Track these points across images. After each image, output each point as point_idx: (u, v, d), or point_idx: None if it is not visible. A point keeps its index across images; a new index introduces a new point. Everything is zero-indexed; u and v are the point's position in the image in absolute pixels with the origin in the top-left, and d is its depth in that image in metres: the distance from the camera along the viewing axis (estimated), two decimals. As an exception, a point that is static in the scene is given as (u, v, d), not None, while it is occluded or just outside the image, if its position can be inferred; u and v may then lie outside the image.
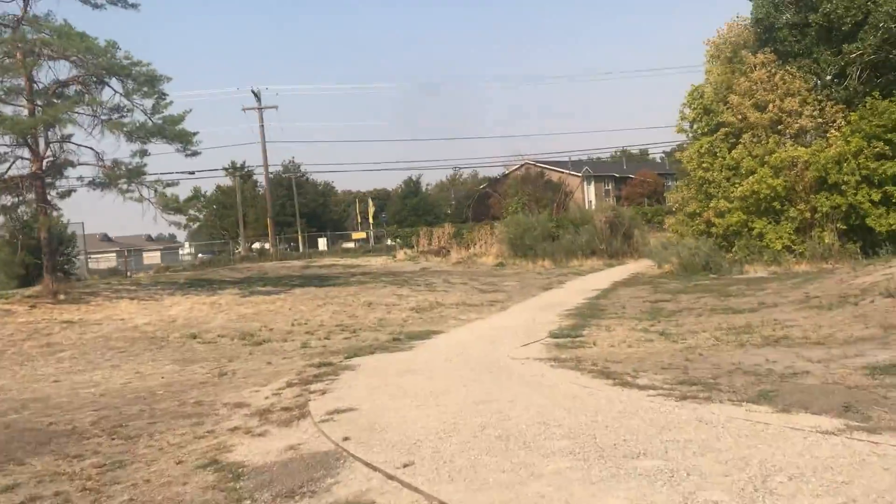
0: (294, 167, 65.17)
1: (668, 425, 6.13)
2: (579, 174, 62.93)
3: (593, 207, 53.73)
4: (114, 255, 75.98)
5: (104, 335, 15.72)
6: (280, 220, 64.65)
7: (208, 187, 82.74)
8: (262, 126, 46.94)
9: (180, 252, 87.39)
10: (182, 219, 22.62)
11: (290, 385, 9.30)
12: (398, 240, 47.12)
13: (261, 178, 68.89)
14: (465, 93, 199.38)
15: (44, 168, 21.72)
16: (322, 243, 55.91)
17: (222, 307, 21.15)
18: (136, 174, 21.63)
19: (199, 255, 63.83)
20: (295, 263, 41.20)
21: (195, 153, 23.00)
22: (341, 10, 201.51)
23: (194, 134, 22.54)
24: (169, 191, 21.91)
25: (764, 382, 7.82)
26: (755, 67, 32.36)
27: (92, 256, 66.75)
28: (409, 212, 65.68)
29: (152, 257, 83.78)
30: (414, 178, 70.11)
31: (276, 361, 11.81)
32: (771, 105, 31.01)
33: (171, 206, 21.74)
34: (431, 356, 11.44)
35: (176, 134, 21.79)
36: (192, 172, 44.89)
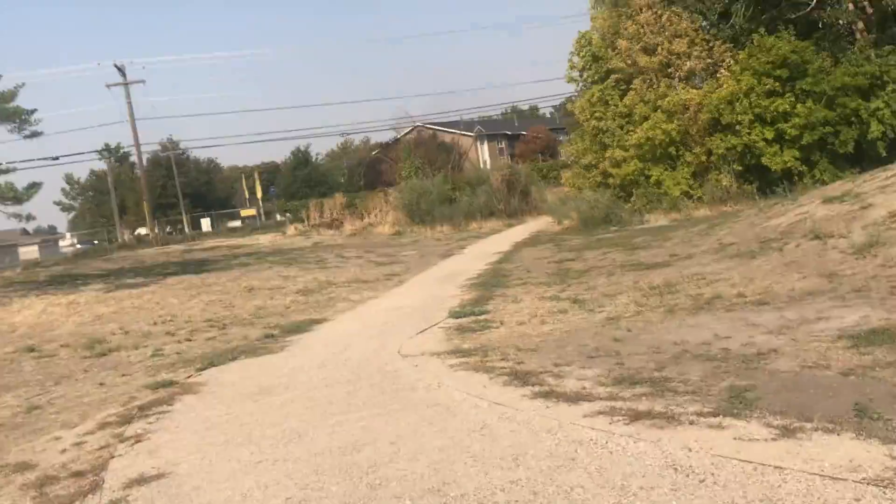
0: (172, 145, 60.87)
1: (629, 487, 4.05)
2: (472, 134, 61.01)
3: (489, 167, 51.95)
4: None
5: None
6: (162, 203, 60.58)
7: (81, 173, 77.15)
8: (130, 102, 42.95)
9: (60, 244, 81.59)
10: (22, 209, 19.29)
11: (104, 425, 6.84)
12: (288, 214, 44.22)
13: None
14: (347, 54, 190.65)
15: None
16: (206, 224, 52.34)
17: (79, 307, 18.20)
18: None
19: (78, 245, 59.24)
20: (176, 248, 37.87)
21: (35, 134, 19.78)
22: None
23: (31, 112, 19.32)
24: (2, 179, 18.63)
25: (727, 372, 5.89)
26: (641, 10, 30.79)
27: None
28: (300, 184, 62.48)
29: (29, 252, 77.77)
30: (302, 149, 66.83)
31: (112, 381, 9.29)
32: (659, 48, 29.56)
33: (6, 196, 18.52)
34: (304, 360, 9.12)
35: (7, 112, 18.53)
36: (56, 158, 40.77)
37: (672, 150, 28.24)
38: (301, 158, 66.99)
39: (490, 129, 65.08)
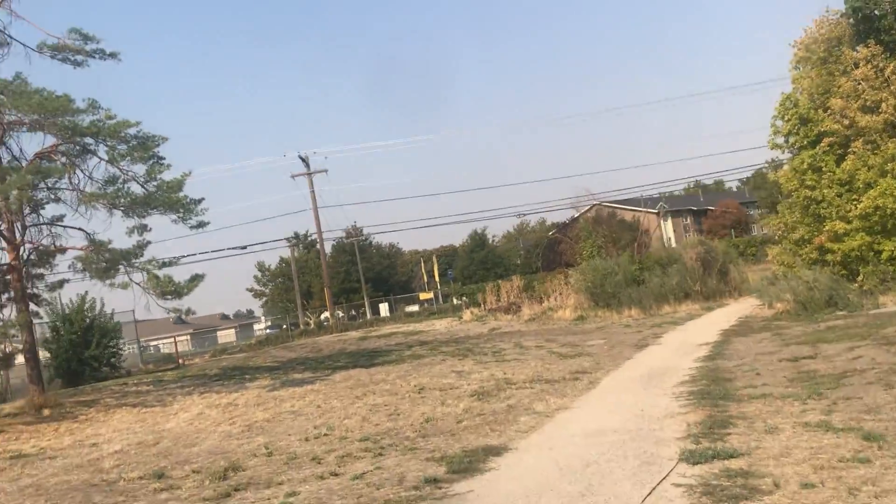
0: (356, 231, 60.85)
1: None
2: (654, 211, 56.86)
3: (673, 245, 47.54)
4: (187, 338, 72.70)
5: (36, 483, 10.79)
6: (346, 287, 60.36)
7: (272, 260, 79.26)
8: (313, 191, 42.71)
9: (255, 328, 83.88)
10: (183, 304, 17.70)
11: None
12: (464, 298, 41.85)
13: (326, 247, 65.07)
14: (525, 132, 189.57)
15: (23, 257, 17.37)
16: (384, 309, 50.98)
17: (236, 410, 16.15)
18: (128, 255, 17.06)
19: (267, 330, 59.85)
20: (352, 335, 36.28)
21: (201, 224, 18.37)
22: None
23: (198, 201, 17.95)
24: (163, 272, 17.16)
25: None
26: (857, 64, 26.43)
27: (163, 342, 63.43)
28: (476, 266, 60.50)
29: (226, 335, 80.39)
30: (479, 231, 65.13)
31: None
32: (884, 105, 24.96)
33: (167, 290, 16.98)
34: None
35: (171, 202, 17.18)
36: (245, 247, 40.72)
37: (907, 220, 23.29)
38: (478, 241, 65.23)
39: (673, 206, 60.63)
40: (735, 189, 75.01)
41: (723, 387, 12.54)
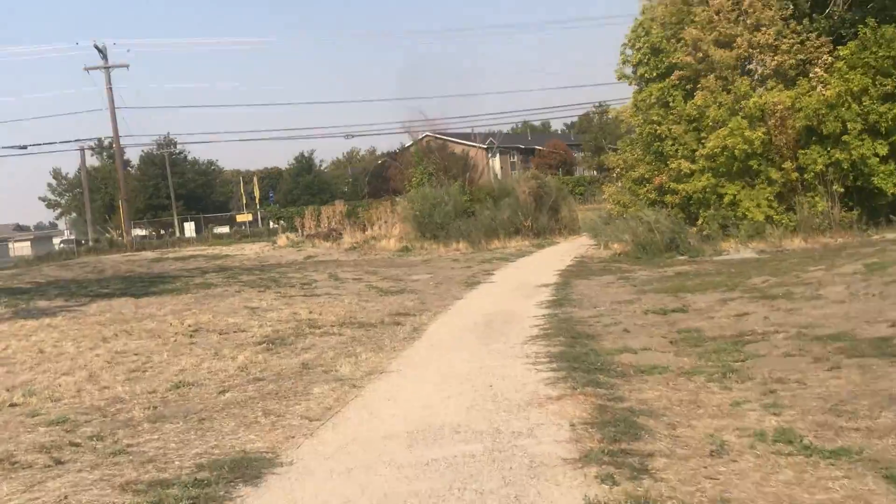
0: (168, 142, 53.59)
1: None
2: (484, 146, 53.91)
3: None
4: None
5: None
6: (154, 204, 53.45)
7: (66, 166, 69.55)
8: (110, 88, 35.77)
9: (55, 241, 74.27)
10: None
11: None
12: (282, 222, 36.97)
13: (134, 156, 57.40)
14: (358, 49, 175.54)
15: None
16: (189, 228, 44.83)
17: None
18: None
19: (61, 244, 52.01)
20: (147, 255, 30.67)
21: None
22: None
23: None
24: None
25: None
26: (715, -6, 23.72)
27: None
28: (301, 190, 55.22)
29: (22, 248, 70.51)
30: (306, 154, 59.55)
31: None
32: (739, 39, 22.44)
33: None
34: None
35: None
36: (24, 147, 33.46)
37: (754, 163, 21.09)
38: (304, 164, 59.72)
39: (502, 143, 57.99)
40: (560, 132, 73.95)
41: (589, 348, 9.03)
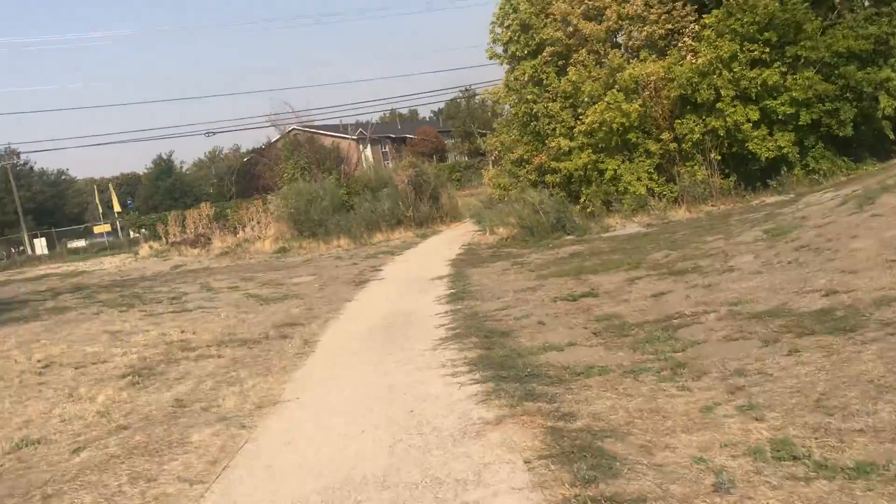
0: (11, 153, 48.79)
1: None
2: (353, 137, 52.27)
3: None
4: None
5: None
6: (0, 221, 48.52)
7: None
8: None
9: None
10: None
11: None
12: (143, 231, 34.09)
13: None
14: (216, 41, 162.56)
15: None
16: (40, 245, 40.85)
17: None
18: None
19: None
20: (-10, 279, 27.38)
21: None
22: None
23: None
24: None
25: None
26: (579, -32, 23.25)
27: None
28: (162, 195, 51.69)
29: None
30: (165, 156, 55.86)
31: None
32: (608, 11, 22.09)
33: None
34: None
35: None
36: None
37: (632, 136, 20.78)
38: (163, 167, 56.00)
39: (372, 133, 56.54)
40: (429, 119, 73.17)
41: (509, 348, 7.97)
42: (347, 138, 51.03)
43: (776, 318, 7.30)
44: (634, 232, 18.45)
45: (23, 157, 51.85)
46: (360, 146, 53.08)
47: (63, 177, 59.13)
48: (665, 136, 20.68)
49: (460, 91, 52.17)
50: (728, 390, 5.45)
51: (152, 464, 5.72)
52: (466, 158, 53.13)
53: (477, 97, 50.32)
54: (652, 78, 20.64)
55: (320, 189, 26.72)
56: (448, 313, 10.97)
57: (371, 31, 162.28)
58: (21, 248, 45.57)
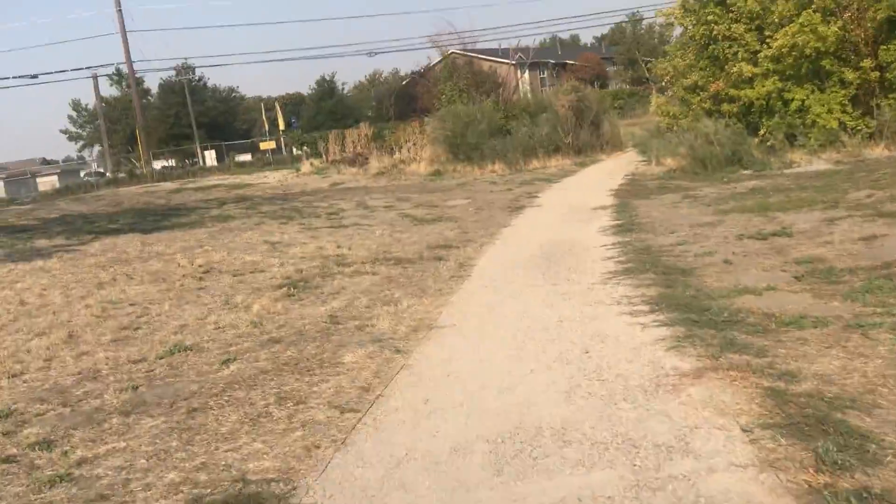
0: (186, 69, 51.00)
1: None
2: (513, 62, 50.70)
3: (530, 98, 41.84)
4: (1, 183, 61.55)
5: None
6: (176, 133, 51.24)
7: (86, 96, 67.31)
8: (120, 10, 33.22)
9: (82, 174, 72.83)
10: None
11: None
12: (305, 148, 34.78)
13: (153, 84, 55.13)
14: None
15: None
16: (210, 157, 42.69)
17: None
18: None
19: (85, 177, 50.33)
20: (166, 186, 28.78)
21: None
22: None
23: None
24: None
25: None
26: None
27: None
28: (325, 116, 52.56)
29: (48, 182, 69.24)
30: (328, 78, 56.67)
31: None
32: (811, -79, 19.34)
33: None
34: None
35: None
36: (35, 76, 31.38)
37: (826, 63, 18.37)
38: (326, 89, 56.85)
39: (532, 58, 54.64)
40: (590, 45, 70.05)
41: (694, 288, 6.93)
42: (506, 63, 49.55)
43: None
44: (821, 169, 16.45)
45: (197, 72, 54.09)
46: (519, 71, 51.49)
47: (234, 94, 61.47)
48: (866, 63, 18.12)
49: (626, 16, 49.18)
50: None
51: (302, 384, 5.26)
52: (629, 87, 50.42)
53: (644, 21, 47.38)
54: (858, -4, 18.05)
55: (477, 112, 25.87)
56: (616, 245, 9.97)
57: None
58: (193, 159, 48.05)
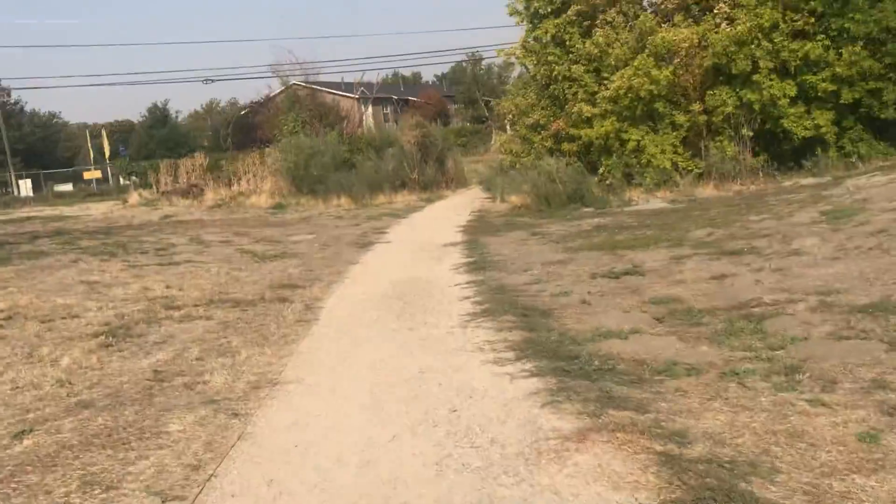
0: (2, 90, 46.59)
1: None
2: (355, 96, 50.44)
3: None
4: None
5: None
6: (-14, 160, 46.51)
7: None
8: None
9: None
10: None
11: None
12: (134, 178, 32.39)
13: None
14: None
15: None
16: (25, 187, 39.02)
17: None
18: None
19: None
20: (-31, 219, 25.71)
21: None
22: None
23: None
24: None
25: None
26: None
27: None
28: (156, 145, 49.70)
29: None
30: (160, 105, 53.83)
31: None
32: (641, -30, 20.46)
33: None
34: None
35: None
36: None
37: (659, 106, 19.31)
38: (158, 116, 54.00)
39: (374, 94, 54.65)
40: (432, 83, 71.14)
41: (555, 332, 6.58)
42: (349, 96, 49.24)
43: (889, 314, 5.92)
44: (659, 207, 17.07)
45: (14, 95, 49.62)
46: (362, 106, 51.26)
47: (55, 119, 57.00)
48: (694, 107, 19.19)
49: (466, 55, 50.30)
50: (880, 409, 4.08)
51: (115, 462, 4.31)
52: (471, 125, 51.41)
53: (484, 62, 48.59)
54: (685, 45, 19.08)
55: (321, 144, 25.11)
56: (470, 284, 9.56)
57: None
58: (7, 188, 43.73)
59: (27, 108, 52.61)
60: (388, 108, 55.40)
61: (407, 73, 68.35)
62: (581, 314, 7.36)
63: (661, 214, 15.50)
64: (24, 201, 33.02)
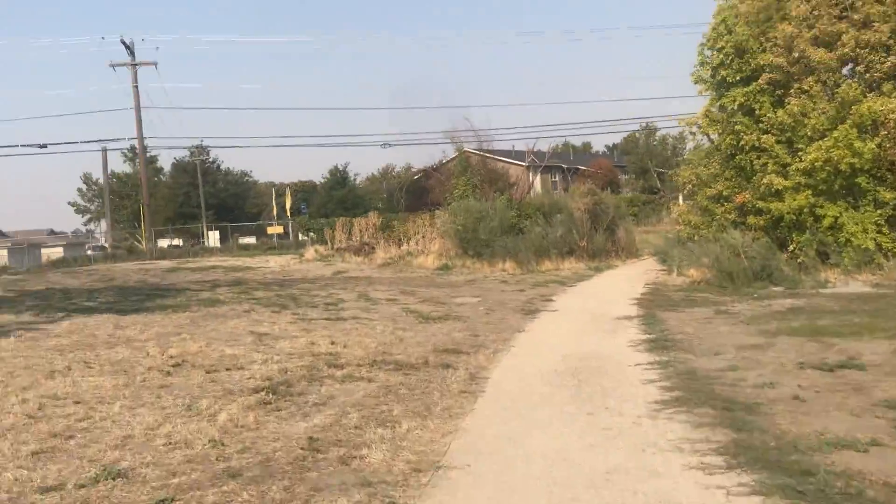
0: (201, 150, 50.72)
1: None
2: (525, 164, 50.34)
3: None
4: (3, 252, 60.58)
5: None
6: (185, 212, 50.55)
7: (97, 170, 67.05)
8: (136, 86, 32.84)
9: (87, 247, 71.87)
10: None
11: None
12: (311, 234, 33.66)
13: (166, 163, 54.88)
14: (398, 61, 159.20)
15: None
16: (213, 238, 41.61)
17: None
18: None
19: (90, 251, 49.34)
20: (163, 264, 27.48)
21: None
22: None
23: None
24: None
25: None
26: (812, -14, 19.98)
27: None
28: (335, 204, 51.88)
29: (54, 253, 68.22)
30: (340, 167, 56.40)
31: None
32: (844, 37, 18.67)
33: None
34: None
35: None
36: (44, 146, 30.65)
37: (861, 180, 17.31)
38: (338, 178, 56.49)
39: (542, 162, 54.37)
40: (602, 153, 70.15)
41: (772, 435, 5.40)
42: (519, 164, 49.21)
43: None
44: (862, 291, 15.08)
45: (212, 154, 53.87)
46: (531, 173, 51.05)
47: (246, 177, 61.23)
48: (904, 182, 17.06)
49: (639, 125, 49.06)
50: None
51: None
52: (641, 195, 49.82)
53: (658, 133, 47.25)
54: (893, 115, 17.11)
55: (490, 208, 24.79)
56: (653, 366, 8.46)
57: (553, 58, 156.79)
58: (199, 239, 47.08)
59: (222, 167, 56.78)
60: (557, 176, 54.87)
61: (577, 142, 67.87)
62: (795, 413, 6.11)
63: (867, 299, 13.60)
64: (212, 251, 35.18)
